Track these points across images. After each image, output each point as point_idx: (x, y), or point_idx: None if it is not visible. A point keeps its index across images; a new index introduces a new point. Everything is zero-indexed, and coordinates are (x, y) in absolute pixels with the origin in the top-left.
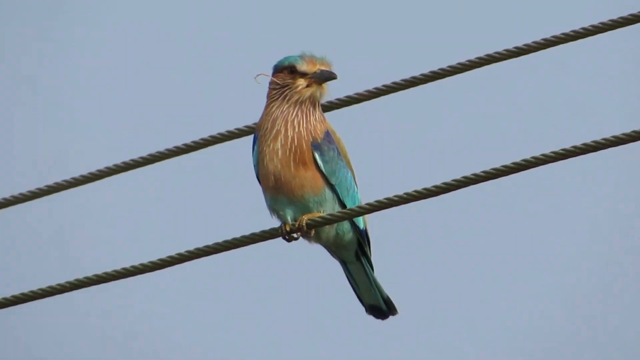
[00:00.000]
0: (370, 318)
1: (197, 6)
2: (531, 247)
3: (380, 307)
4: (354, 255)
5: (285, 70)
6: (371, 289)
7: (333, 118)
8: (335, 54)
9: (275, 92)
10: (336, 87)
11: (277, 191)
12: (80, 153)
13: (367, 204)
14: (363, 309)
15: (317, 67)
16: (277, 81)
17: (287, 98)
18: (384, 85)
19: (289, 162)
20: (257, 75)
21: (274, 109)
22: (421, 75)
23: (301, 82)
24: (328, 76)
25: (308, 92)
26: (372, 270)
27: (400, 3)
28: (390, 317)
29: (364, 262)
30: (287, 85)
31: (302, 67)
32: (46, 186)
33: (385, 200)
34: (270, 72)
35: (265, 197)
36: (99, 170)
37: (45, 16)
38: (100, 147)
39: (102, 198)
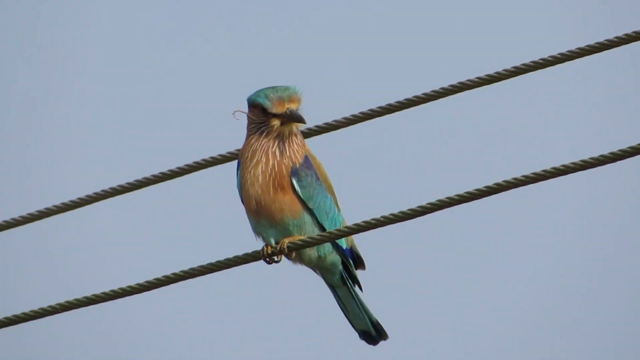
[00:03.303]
0: (363, 344)
1: (183, 33)
2: (511, 263)
3: (369, 332)
4: (340, 279)
5: (257, 108)
6: (359, 314)
7: (314, 144)
8: (313, 83)
9: (253, 126)
10: (315, 115)
11: (258, 214)
12: (68, 179)
13: (345, 226)
14: (356, 335)
15: (286, 107)
16: (253, 117)
17: (265, 134)
18: (361, 113)
19: (269, 187)
20: (235, 112)
21: (252, 141)
22: (396, 102)
23: (275, 122)
24: (297, 119)
25: (285, 130)
26: (361, 290)
27: (372, 32)
28: (381, 342)
29: (349, 285)
30: (263, 122)
31: (272, 109)
32: (37, 211)
33: (362, 223)
34: (245, 104)
35: (249, 220)
36: (88, 196)
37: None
38: (89, 173)
39: (90, 223)
